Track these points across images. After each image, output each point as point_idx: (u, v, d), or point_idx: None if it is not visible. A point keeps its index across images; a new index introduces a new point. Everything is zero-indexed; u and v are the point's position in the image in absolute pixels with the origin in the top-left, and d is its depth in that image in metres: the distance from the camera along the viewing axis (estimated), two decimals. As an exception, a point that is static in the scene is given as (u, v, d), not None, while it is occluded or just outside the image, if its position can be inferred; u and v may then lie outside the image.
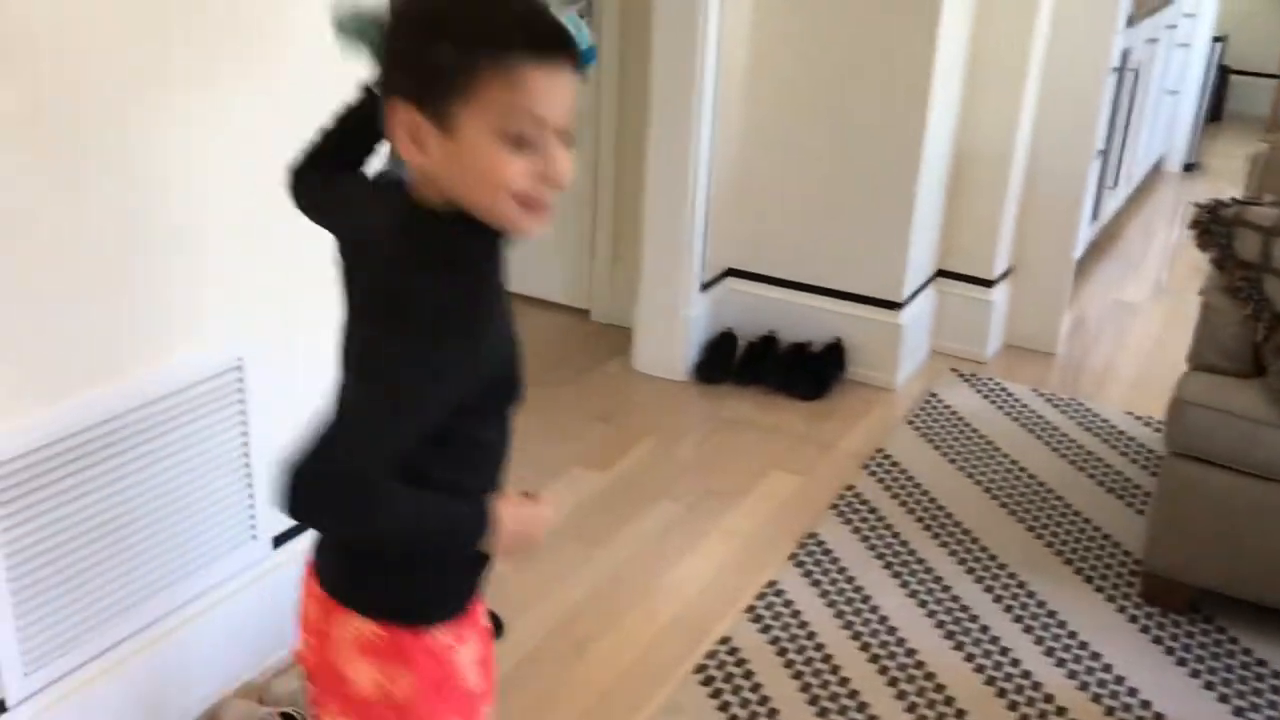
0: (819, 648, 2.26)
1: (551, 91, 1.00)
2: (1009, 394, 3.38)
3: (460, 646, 1.15)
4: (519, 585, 2.39)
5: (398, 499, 1.04)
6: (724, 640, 2.26)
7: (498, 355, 1.09)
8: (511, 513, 1.13)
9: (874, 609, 2.38)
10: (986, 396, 3.36)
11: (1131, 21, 3.94)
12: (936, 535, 2.65)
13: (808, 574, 2.49)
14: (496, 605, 2.30)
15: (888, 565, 2.54)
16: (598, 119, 3.50)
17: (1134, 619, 2.38)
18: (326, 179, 1.28)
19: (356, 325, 1.12)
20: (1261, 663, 2.27)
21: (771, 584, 2.44)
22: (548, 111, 1.01)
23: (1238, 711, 2.14)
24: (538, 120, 1.01)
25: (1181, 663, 2.26)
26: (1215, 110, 6.62)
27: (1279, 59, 6.75)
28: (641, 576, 2.45)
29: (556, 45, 1.01)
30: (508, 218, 1.05)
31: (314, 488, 0.99)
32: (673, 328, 3.33)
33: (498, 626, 2.25)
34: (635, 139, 3.36)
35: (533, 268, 3.74)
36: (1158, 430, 3.13)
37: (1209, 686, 2.20)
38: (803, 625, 2.32)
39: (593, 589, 2.40)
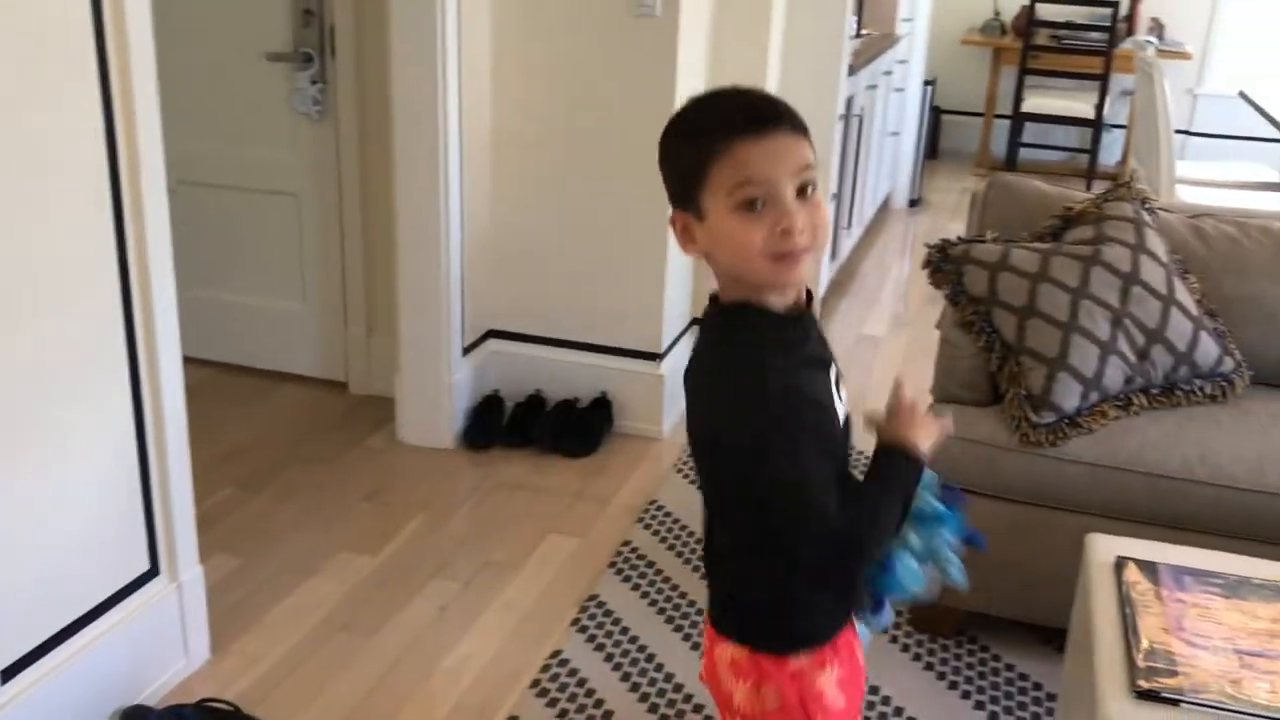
0: (607, 715, 2.21)
1: (766, 157, 1.20)
2: (771, 434, 3.46)
3: (822, 671, 1.33)
4: (288, 688, 2.25)
5: (861, 510, 1.29)
6: (511, 720, 2.19)
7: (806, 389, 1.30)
8: (918, 431, 1.38)
9: (659, 667, 2.37)
10: (750, 439, 3.43)
11: (852, 70, 4.16)
12: (714, 584, 2.67)
13: (591, 639, 2.45)
14: (264, 712, 2.16)
15: (669, 620, 2.53)
16: (340, 183, 3.39)
17: (906, 648, 2.46)
18: None
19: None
20: (1024, 677, 2.39)
21: (555, 654, 2.39)
22: (766, 173, 1.20)
23: (1007, 727, 2.24)
24: (759, 183, 1.19)
25: (953, 685, 2.35)
26: (931, 148, 7.11)
27: (981, 98, 7.33)
28: (420, 663, 2.34)
29: (761, 118, 1.21)
30: (765, 275, 1.24)
31: (838, 562, 1.29)
32: (436, 395, 3.24)
33: (268, 737, 2.10)
34: (381, 202, 3.27)
35: (282, 341, 3.58)
36: (910, 458, 3.28)
37: (979, 706, 2.30)
38: (590, 694, 2.27)
39: (369, 683, 2.27)
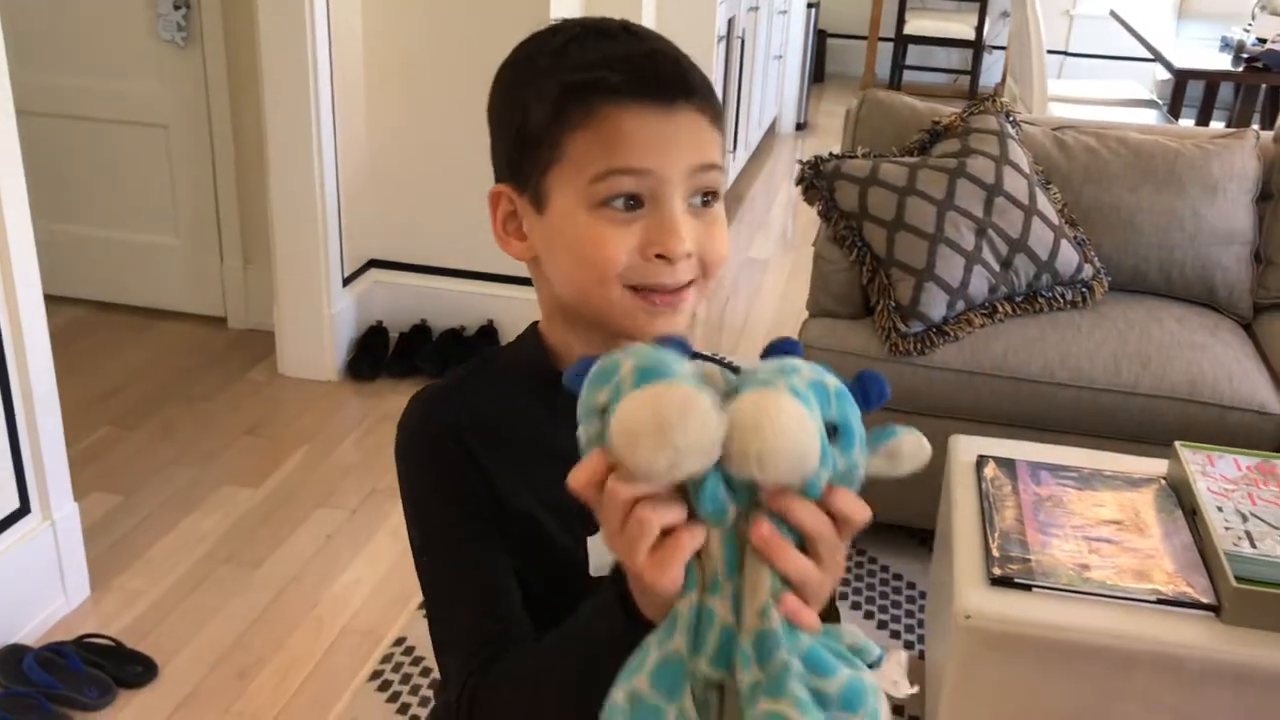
0: (497, 632, 2.25)
1: (660, 139, 0.83)
2: (658, 356, 3.50)
3: None
4: (172, 622, 2.23)
5: (509, 677, 0.86)
6: (399, 641, 2.20)
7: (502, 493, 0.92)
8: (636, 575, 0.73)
9: (547, 584, 2.40)
10: (637, 361, 3.46)
11: (732, -9, 4.16)
12: (601, 502, 2.71)
13: (479, 560, 2.47)
14: (147, 646, 2.14)
15: (557, 539, 2.57)
16: (209, 112, 3.29)
17: (786, 554, 2.54)
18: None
19: None
20: (898, 576, 2.48)
21: (443, 576, 2.41)
22: (655, 162, 0.83)
23: (881, 625, 2.34)
24: (641, 175, 0.83)
25: (831, 588, 2.43)
26: (818, 72, 7.15)
27: (865, 21, 7.38)
28: (306, 591, 2.34)
29: (664, 80, 0.83)
30: (618, 314, 0.86)
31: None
32: (318, 327, 3.20)
33: (148, 669, 2.08)
34: (253, 131, 3.19)
35: (157, 277, 3.49)
36: (793, 375, 3.35)
37: (855, 606, 2.38)
38: (478, 612, 2.30)
39: (254, 613, 2.27)
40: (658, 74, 0.84)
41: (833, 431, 0.71)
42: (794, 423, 0.68)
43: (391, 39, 3.17)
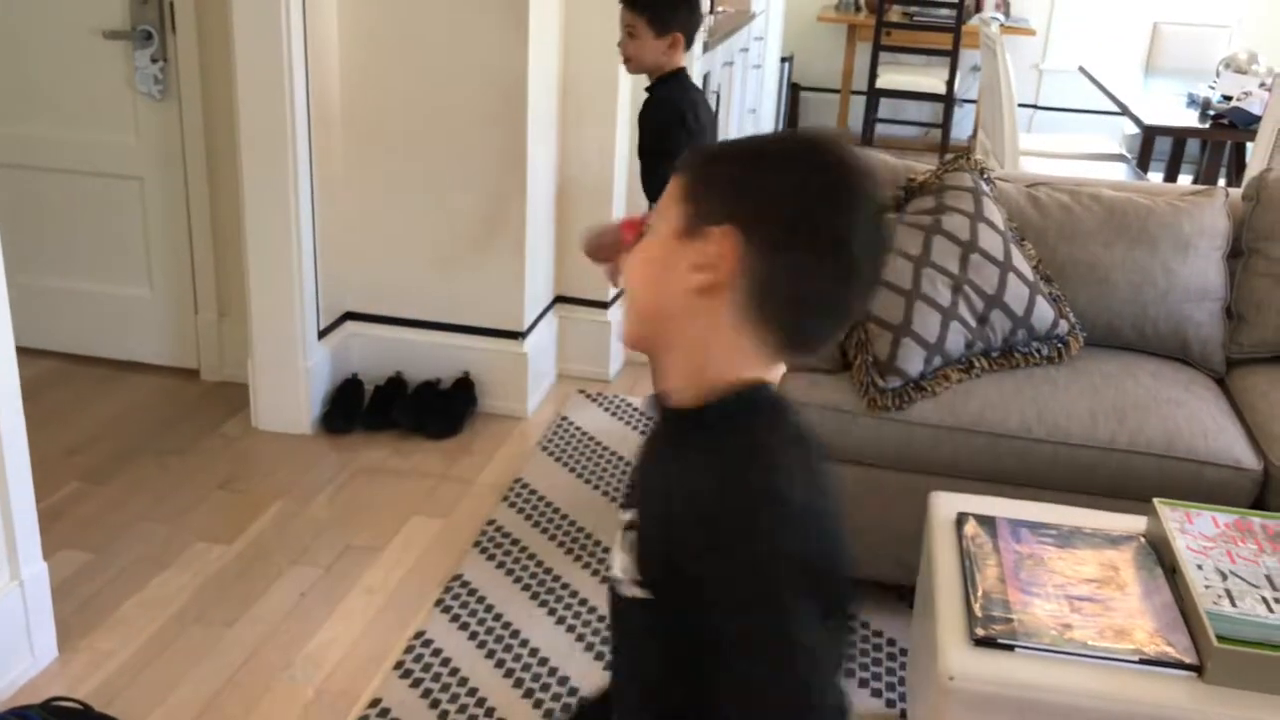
0: (472, 692, 2.22)
1: None
2: (633, 409, 3.49)
3: None
4: (142, 684, 2.19)
5: None
6: (374, 703, 2.17)
7: None
8: None
9: (524, 642, 2.37)
10: (613, 414, 3.46)
11: (707, 47, 4.20)
12: (579, 557, 2.69)
13: (455, 618, 2.44)
14: (116, 709, 2.10)
15: (534, 595, 2.54)
16: (185, 165, 3.28)
17: (766, 611, 2.52)
18: None
19: None
20: (879, 634, 2.47)
21: (419, 635, 2.38)
22: None
23: (862, 683, 2.32)
24: None
25: (811, 645, 2.42)
26: (792, 124, 7.22)
27: (838, 75, 7.47)
28: (280, 651, 2.30)
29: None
30: None
31: None
32: (292, 379, 3.17)
33: (118, 734, 2.04)
34: (229, 183, 3.18)
35: (129, 329, 3.46)
36: (770, 427, 3.34)
37: (836, 663, 2.37)
38: (454, 672, 2.27)
39: (226, 674, 2.23)
40: None
41: None
42: None
43: (369, 92, 3.18)
